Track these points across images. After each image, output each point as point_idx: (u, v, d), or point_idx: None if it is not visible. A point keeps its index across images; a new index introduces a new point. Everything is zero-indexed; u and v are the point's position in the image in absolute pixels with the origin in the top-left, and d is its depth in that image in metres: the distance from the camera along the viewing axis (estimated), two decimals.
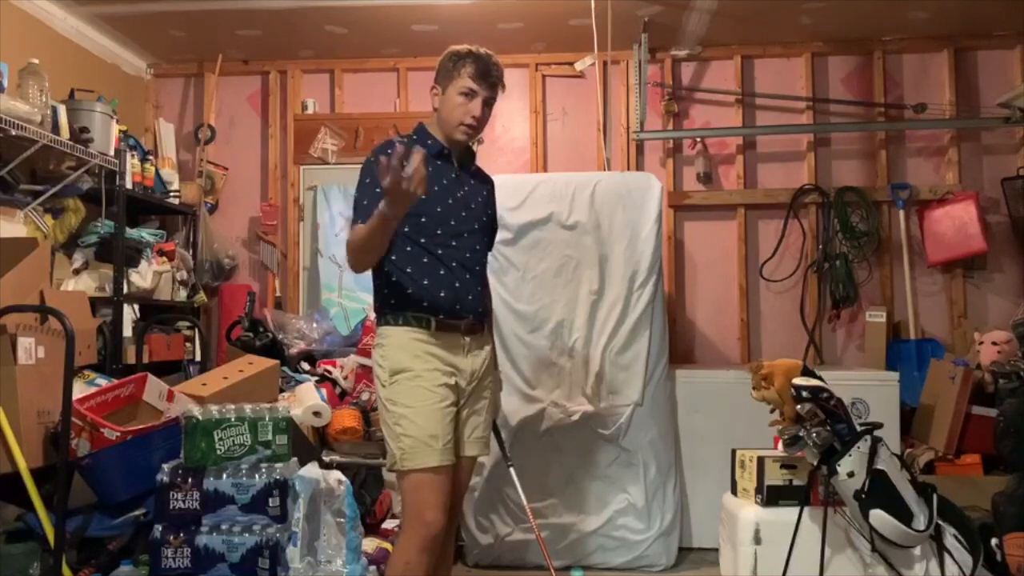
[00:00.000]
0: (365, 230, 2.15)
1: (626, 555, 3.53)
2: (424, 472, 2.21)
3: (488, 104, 2.37)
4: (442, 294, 2.30)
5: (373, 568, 2.76)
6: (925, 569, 2.70)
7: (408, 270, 2.30)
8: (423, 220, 2.29)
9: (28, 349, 2.65)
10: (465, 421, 2.39)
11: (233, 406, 2.58)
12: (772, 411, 2.81)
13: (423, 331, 2.29)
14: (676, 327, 4.63)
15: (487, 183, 2.56)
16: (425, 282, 2.30)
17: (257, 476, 2.46)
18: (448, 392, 2.29)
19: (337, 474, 2.59)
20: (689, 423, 3.77)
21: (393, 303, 2.32)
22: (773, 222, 4.68)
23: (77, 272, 3.70)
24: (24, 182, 3.43)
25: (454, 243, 2.35)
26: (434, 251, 2.31)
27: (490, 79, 2.34)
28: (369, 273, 2.37)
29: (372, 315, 3.99)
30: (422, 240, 2.30)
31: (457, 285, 2.33)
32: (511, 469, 2.73)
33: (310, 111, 4.84)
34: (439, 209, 2.31)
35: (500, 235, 3.64)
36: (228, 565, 2.39)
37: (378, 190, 2.23)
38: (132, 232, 3.97)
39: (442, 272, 2.31)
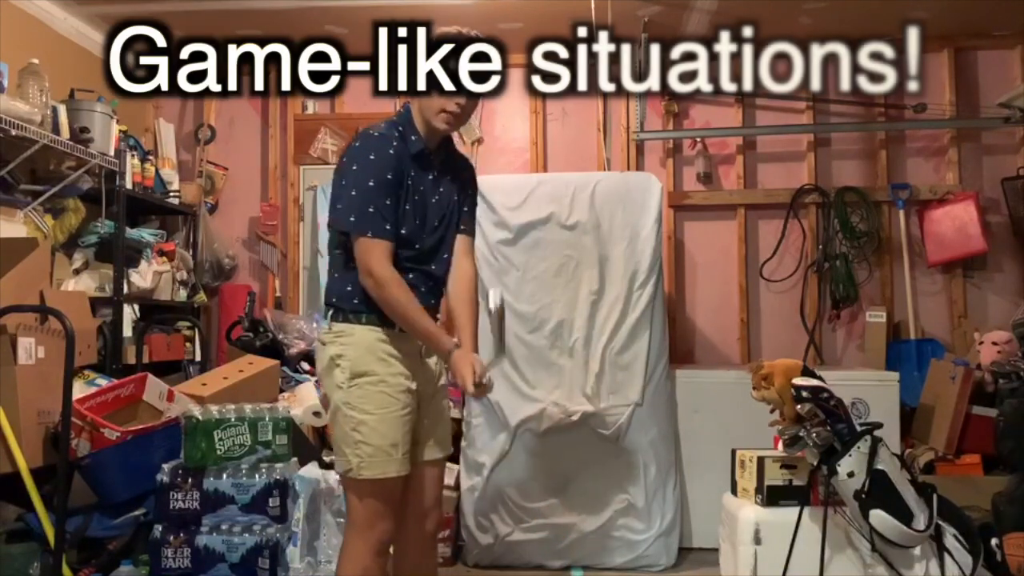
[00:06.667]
0: (415, 325, 2.17)
1: (626, 555, 3.53)
2: (382, 481, 2.14)
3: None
4: None
5: None
6: (925, 569, 2.70)
7: None
8: (403, 232, 2.19)
9: (28, 349, 2.65)
10: (428, 428, 2.30)
11: (233, 406, 2.59)
12: (772, 411, 2.81)
13: (388, 331, 2.19)
14: (676, 327, 4.63)
15: (465, 170, 2.40)
16: None
17: (257, 476, 2.47)
18: (409, 399, 2.20)
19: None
20: (689, 423, 3.77)
21: (357, 301, 2.19)
22: (773, 222, 4.68)
23: (77, 272, 3.69)
24: (24, 182, 3.43)
25: (417, 246, 2.23)
26: (402, 259, 2.20)
27: None
28: None
29: None
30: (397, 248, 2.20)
31: (423, 290, 2.23)
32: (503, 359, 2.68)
33: (310, 111, 4.83)
34: (417, 222, 2.21)
35: (500, 235, 3.68)
36: (228, 565, 2.40)
37: (371, 184, 2.13)
38: (132, 232, 3.96)
39: (411, 276, 2.20)
